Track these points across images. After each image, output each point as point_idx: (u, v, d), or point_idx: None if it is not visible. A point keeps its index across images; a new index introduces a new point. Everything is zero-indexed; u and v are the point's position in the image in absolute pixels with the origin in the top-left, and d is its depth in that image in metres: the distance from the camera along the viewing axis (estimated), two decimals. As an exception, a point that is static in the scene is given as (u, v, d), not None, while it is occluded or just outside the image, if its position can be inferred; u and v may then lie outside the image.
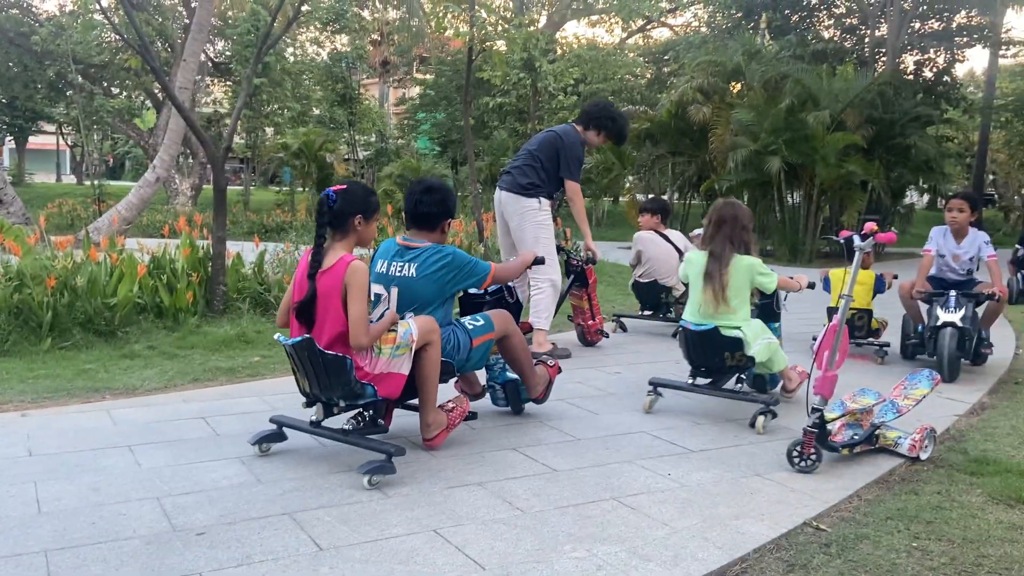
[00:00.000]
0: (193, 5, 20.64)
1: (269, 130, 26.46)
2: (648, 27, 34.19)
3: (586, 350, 6.32)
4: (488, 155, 24.35)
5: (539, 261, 4.29)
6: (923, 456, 3.77)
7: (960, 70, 30.90)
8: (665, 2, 28.74)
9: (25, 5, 24.12)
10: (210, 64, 25.98)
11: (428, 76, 31.22)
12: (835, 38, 25.75)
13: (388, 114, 36.17)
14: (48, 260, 6.23)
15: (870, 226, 3.94)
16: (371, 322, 3.40)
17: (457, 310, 4.20)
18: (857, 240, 3.93)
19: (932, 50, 24.28)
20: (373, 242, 3.90)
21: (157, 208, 19.27)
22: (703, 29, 28.91)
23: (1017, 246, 10.87)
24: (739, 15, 24.99)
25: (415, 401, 3.71)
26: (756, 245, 4.57)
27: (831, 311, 5.95)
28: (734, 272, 4.28)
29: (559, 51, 26.27)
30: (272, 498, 3.07)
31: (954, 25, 24.17)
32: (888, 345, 6.26)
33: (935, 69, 24.49)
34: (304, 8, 17.18)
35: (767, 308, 4.68)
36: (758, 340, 4.27)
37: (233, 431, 3.90)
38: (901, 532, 2.95)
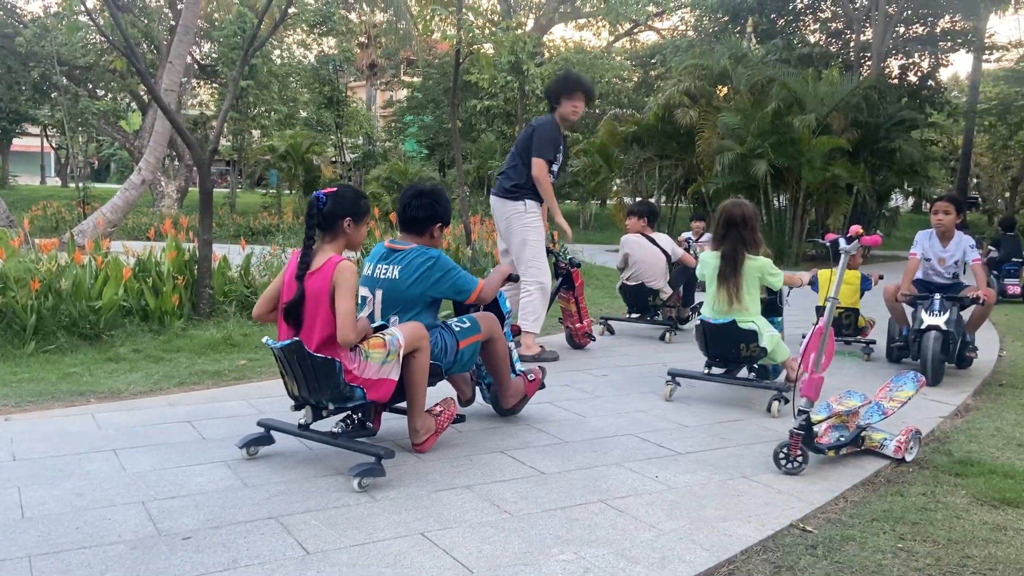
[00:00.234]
0: (179, 7, 20.56)
1: (256, 132, 26.38)
2: (635, 31, 34.31)
3: (574, 352, 6.33)
4: (476, 158, 24.36)
5: (513, 279, 4.26)
6: (908, 458, 3.79)
7: (944, 74, 31.21)
8: (652, 6, 28.83)
9: (9, 6, 23.97)
10: (196, 66, 25.88)
11: (415, 79, 31.23)
12: (821, 42, 25.93)
13: (375, 117, 36.14)
14: (32, 263, 6.19)
15: (855, 229, 3.97)
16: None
17: (445, 313, 4.20)
18: (843, 243, 3.96)
19: (917, 54, 24.49)
20: (363, 247, 3.89)
21: (143, 211, 19.18)
22: (690, 33, 29.05)
23: (990, 247, 10.95)
24: (726, 19, 25.12)
25: (403, 404, 3.70)
26: (763, 243, 4.88)
27: (819, 310, 6.05)
28: (746, 272, 4.64)
29: (546, 54, 26.32)
30: (258, 502, 3.05)
31: (938, 30, 24.40)
32: (874, 342, 6.36)
33: (920, 73, 24.70)
34: (291, 10, 17.15)
35: (771, 304, 5.05)
36: (765, 333, 4.62)
37: (219, 435, 3.88)
38: (887, 533, 2.96)
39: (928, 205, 12.77)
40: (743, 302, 4.61)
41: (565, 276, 6.39)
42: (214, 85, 27.48)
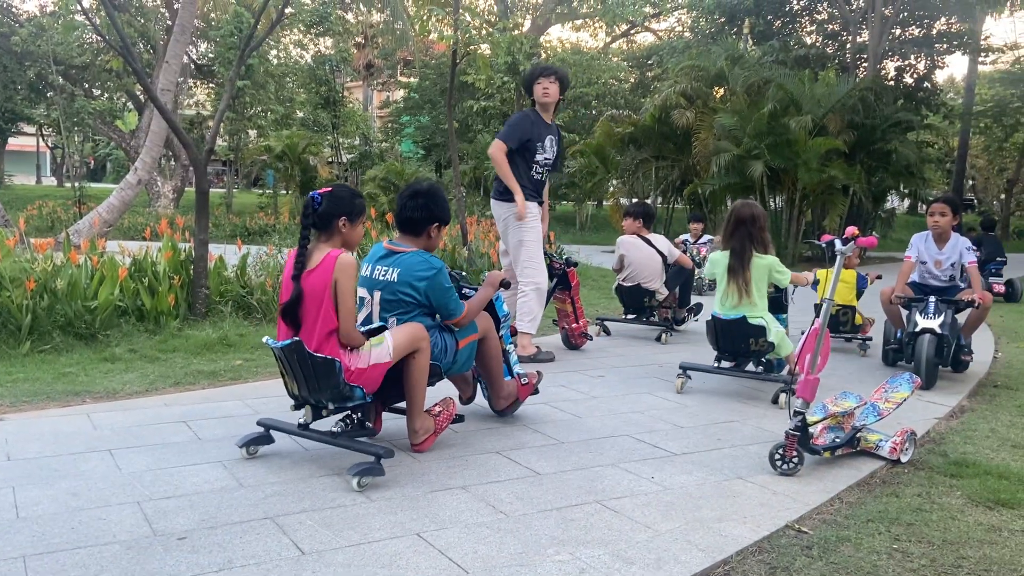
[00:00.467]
0: (176, 6, 20.53)
1: (252, 132, 26.35)
2: (632, 32, 34.33)
3: (570, 353, 6.33)
4: (472, 159, 24.34)
5: (504, 285, 4.26)
6: (904, 459, 3.80)
7: (940, 76, 31.39)
8: (649, 7, 28.84)
9: (5, 5, 23.93)
10: (192, 66, 25.85)
11: (412, 79, 31.20)
12: (817, 44, 25.96)
13: (372, 117, 36.11)
14: (28, 263, 6.17)
15: (851, 230, 3.97)
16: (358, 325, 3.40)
17: None
18: (838, 244, 3.97)
19: (913, 56, 24.54)
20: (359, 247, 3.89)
21: (139, 210, 19.14)
22: (686, 34, 29.04)
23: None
24: (722, 20, 25.13)
25: (402, 404, 3.71)
26: (771, 244, 5.11)
27: (818, 308, 6.10)
28: (754, 269, 4.86)
29: (543, 55, 26.29)
30: (254, 502, 3.05)
31: (934, 32, 24.45)
32: (871, 339, 6.41)
33: (916, 75, 24.74)
34: (288, 10, 17.13)
35: (776, 301, 5.27)
36: (773, 328, 4.85)
37: (215, 435, 3.87)
38: (882, 534, 2.97)
39: (924, 207, 12.81)
40: (752, 297, 4.85)
41: (561, 276, 6.38)
42: (210, 85, 27.43)
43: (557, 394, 4.91)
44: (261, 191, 27.69)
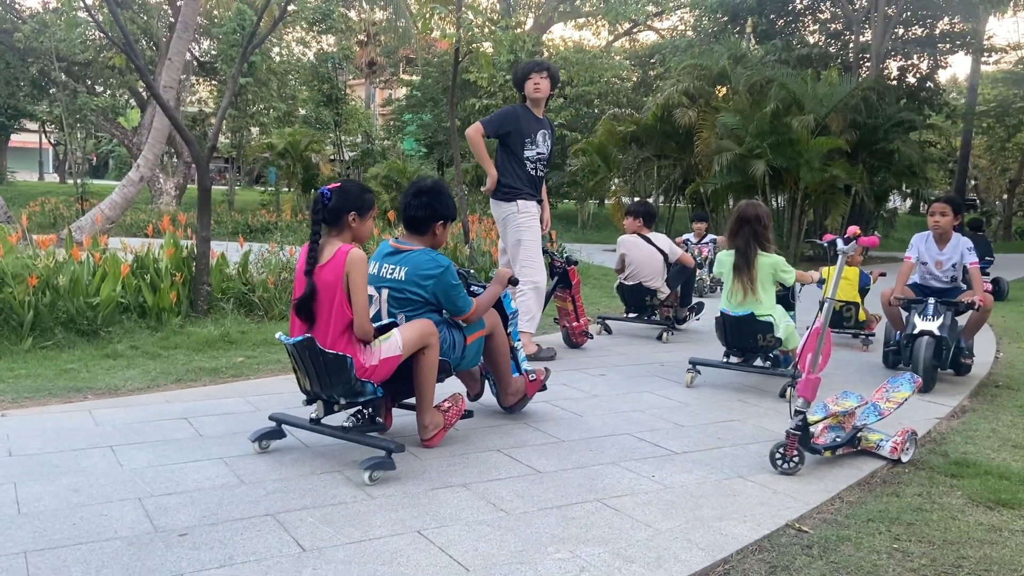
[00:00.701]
0: (178, 3, 20.54)
1: (254, 130, 26.36)
2: (634, 30, 34.33)
3: (571, 352, 6.33)
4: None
5: (513, 282, 4.27)
6: (904, 458, 3.80)
7: (943, 76, 31.28)
8: (651, 6, 28.83)
9: (8, 2, 23.91)
10: (195, 63, 25.86)
11: (414, 77, 31.18)
12: (820, 43, 25.93)
13: (374, 115, 36.15)
14: (30, 259, 6.18)
15: (853, 230, 3.97)
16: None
17: None
18: (840, 244, 3.96)
19: (916, 56, 24.50)
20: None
21: (141, 207, 19.15)
22: (689, 33, 29.04)
23: None
24: (725, 19, 25.11)
25: (411, 400, 3.75)
26: (774, 243, 5.26)
27: (823, 303, 6.13)
28: (759, 268, 5.02)
29: (545, 53, 26.30)
30: (255, 499, 3.06)
31: (937, 31, 24.42)
32: (874, 334, 6.44)
33: (918, 75, 24.71)
34: (290, 8, 17.13)
35: (783, 298, 5.37)
36: (780, 324, 5.01)
37: (216, 432, 3.88)
38: (882, 534, 2.97)
39: (926, 207, 12.79)
40: (757, 294, 5.00)
41: (561, 275, 6.38)
42: (213, 82, 27.45)
43: (558, 392, 4.91)
44: (263, 188, 27.68)
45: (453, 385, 4.21)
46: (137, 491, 3.09)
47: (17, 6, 24.45)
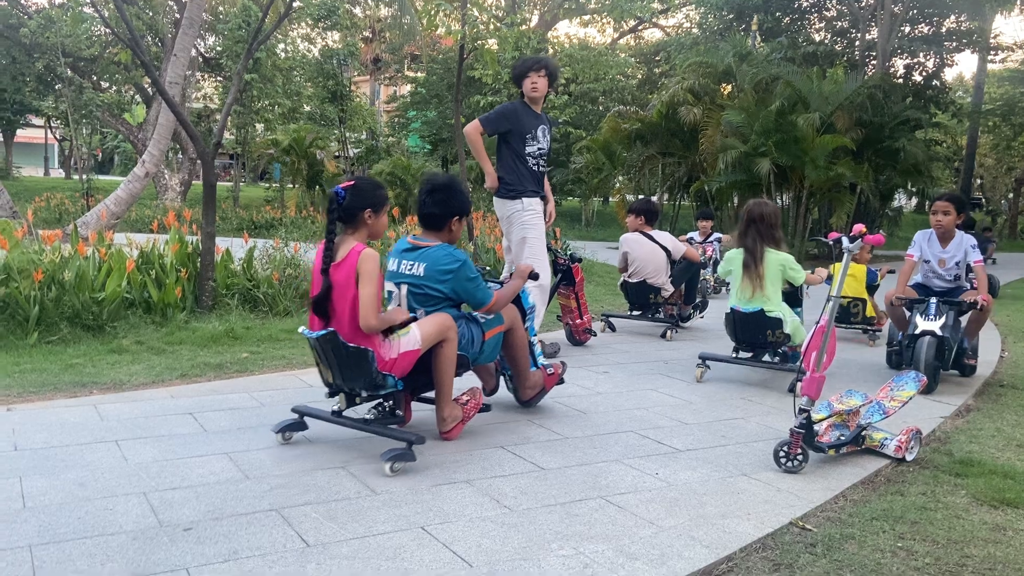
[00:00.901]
0: (184, 0, 20.54)
1: (259, 126, 26.35)
2: (640, 28, 34.29)
3: (574, 349, 6.33)
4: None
5: (534, 276, 4.28)
6: (909, 457, 3.79)
7: (949, 74, 31.26)
8: (657, 3, 28.79)
9: (14, -3, 23.93)
10: (200, 59, 25.88)
11: (419, 74, 31.21)
12: (826, 41, 25.86)
13: (379, 112, 36.13)
14: (35, 254, 6.20)
15: (859, 228, 3.96)
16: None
17: None
18: (846, 242, 3.95)
19: (922, 54, 24.44)
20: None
21: (146, 203, 19.19)
22: (694, 30, 28.98)
23: None
24: (730, 17, 25.07)
25: (430, 394, 3.81)
26: (784, 241, 5.37)
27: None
28: (768, 266, 5.10)
29: (550, 50, 26.27)
30: (259, 494, 3.06)
31: (943, 30, 24.33)
32: (880, 329, 6.46)
33: (924, 73, 24.65)
34: (295, 4, 17.13)
35: (792, 296, 5.45)
36: (788, 320, 5.10)
37: (221, 427, 3.89)
38: (886, 532, 2.97)
39: (930, 205, 12.73)
40: (766, 291, 5.09)
41: (565, 272, 6.38)
42: (218, 78, 27.45)
43: (562, 390, 4.90)
44: (268, 185, 27.71)
45: (469, 379, 4.22)
46: (142, 485, 3.10)
47: (23, 2, 24.48)
